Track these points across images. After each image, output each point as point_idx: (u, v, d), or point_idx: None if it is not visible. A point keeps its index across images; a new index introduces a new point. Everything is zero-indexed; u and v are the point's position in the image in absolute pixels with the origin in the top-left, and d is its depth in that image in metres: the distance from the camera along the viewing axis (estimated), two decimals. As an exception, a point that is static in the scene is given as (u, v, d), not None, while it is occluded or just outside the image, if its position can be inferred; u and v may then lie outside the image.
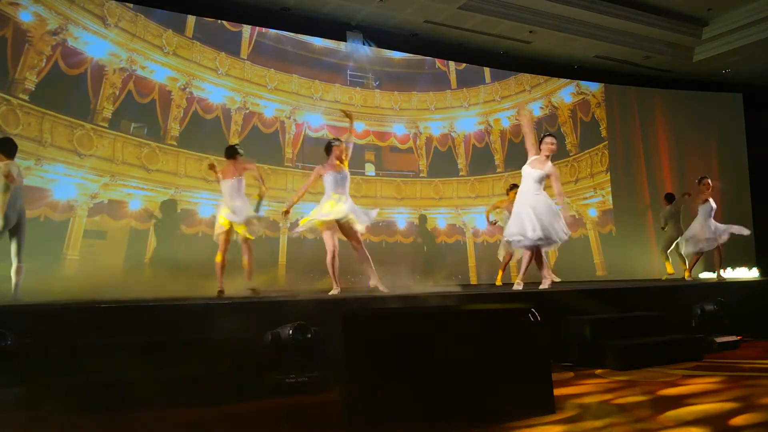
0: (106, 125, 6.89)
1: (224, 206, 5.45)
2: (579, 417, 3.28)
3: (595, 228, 9.87)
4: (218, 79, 7.71)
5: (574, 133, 10.22)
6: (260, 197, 5.68)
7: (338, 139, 6.01)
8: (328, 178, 5.66)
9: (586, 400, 3.70)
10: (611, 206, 10.24)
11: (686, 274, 8.23)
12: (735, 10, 8.83)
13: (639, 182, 10.42)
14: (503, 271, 7.53)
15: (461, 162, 9.32)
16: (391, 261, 6.25)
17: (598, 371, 4.66)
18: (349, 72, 8.66)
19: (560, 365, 4.90)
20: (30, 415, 3.57)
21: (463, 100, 9.47)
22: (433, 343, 3.42)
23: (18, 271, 4.95)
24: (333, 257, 5.59)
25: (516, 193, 5.77)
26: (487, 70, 9.67)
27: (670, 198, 8.97)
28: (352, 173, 8.61)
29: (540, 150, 5.50)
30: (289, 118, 8.20)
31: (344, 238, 5.61)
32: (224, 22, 7.79)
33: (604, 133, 10.38)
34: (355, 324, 3.44)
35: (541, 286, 5.87)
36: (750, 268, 9.47)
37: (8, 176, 4.78)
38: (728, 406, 3.49)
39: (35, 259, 5.45)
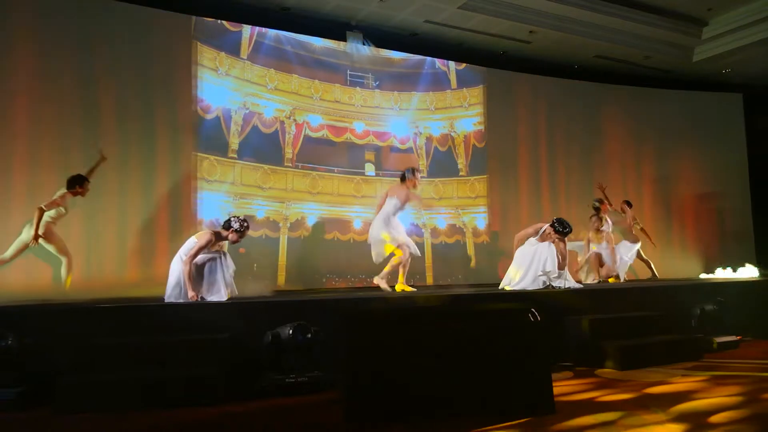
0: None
1: None
2: (578, 417, 3.28)
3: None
4: (218, 79, 7.71)
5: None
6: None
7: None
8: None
9: (586, 399, 3.70)
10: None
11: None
12: (735, 10, 8.81)
13: (639, 183, 10.42)
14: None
15: (461, 162, 9.32)
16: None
17: (598, 371, 4.67)
18: (349, 72, 8.66)
19: (560, 365, 4.91)
20: (30, 415, 3.57)
21: (463, 100, 9.47)
22: (433, 343, 3.42)
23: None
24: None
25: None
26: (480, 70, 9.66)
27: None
28: (352, 173, 8.69)
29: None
30: (289, 118, 8.20)
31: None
32: (224, 22, 7.78)
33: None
34: (355, 324, 3.45)
35: None
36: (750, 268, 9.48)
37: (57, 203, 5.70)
38: (728, 406, 3.50)
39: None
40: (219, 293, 4.93)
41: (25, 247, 5.70)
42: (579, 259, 7.86)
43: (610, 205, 9.25)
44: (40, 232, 5.60)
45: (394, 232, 6.01)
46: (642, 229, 8.99)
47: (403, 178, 6.22)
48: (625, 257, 7.95)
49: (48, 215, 5.67)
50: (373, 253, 6.08)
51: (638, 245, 8.20)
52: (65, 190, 5.79)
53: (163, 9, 7.27)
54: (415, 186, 6.20)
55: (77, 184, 5.84)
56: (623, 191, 9.84)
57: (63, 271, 5.83)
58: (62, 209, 5.77)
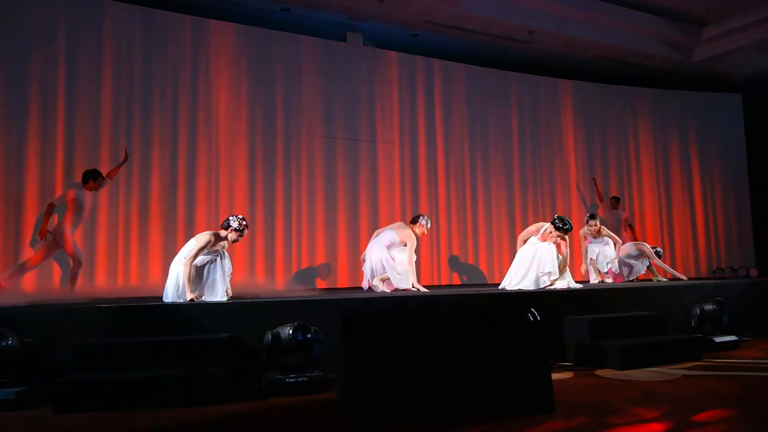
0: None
1: None
2: (578, 417, 3.28)
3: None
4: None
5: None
6: None
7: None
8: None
9: (586, 399, 3.71)
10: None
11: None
12: (734, 10, 8.83)
13: (638, 183, 10.41)
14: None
15: (461, 162, 9.32)
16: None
17: (598, 371, 4.67)
18: (349, 72, 8.66)
19: (560, 365, 4.91)
20: (30, 415, 3.57)
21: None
22: (433, 343, 3.42)
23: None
24: None
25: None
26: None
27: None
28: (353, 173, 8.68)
29: None
30: (290, 118, 8.20)
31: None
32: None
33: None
34: (355, 324, 3.45)
35: None
36: (749, 268, 9.49)
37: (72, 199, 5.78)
38: (727, 405, 3.50)
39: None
40: (218, 294, 4.94)
41: (52, 250, 5.80)
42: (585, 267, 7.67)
43: (601, 200, 9.31)
44: (51, 230, 5.71)
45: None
46: (630, 226, 9.08)
47: (415, 221, 6.25)
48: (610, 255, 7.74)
49: (64, 215, 5.75)
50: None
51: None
52: (83, 186, 5.93)
53: (163, 9, 7.26)
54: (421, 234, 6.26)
55: (90, 178, 5.95)
56: (620, 192, 9.86)
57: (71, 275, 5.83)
58: (78, 204, 5.78)
